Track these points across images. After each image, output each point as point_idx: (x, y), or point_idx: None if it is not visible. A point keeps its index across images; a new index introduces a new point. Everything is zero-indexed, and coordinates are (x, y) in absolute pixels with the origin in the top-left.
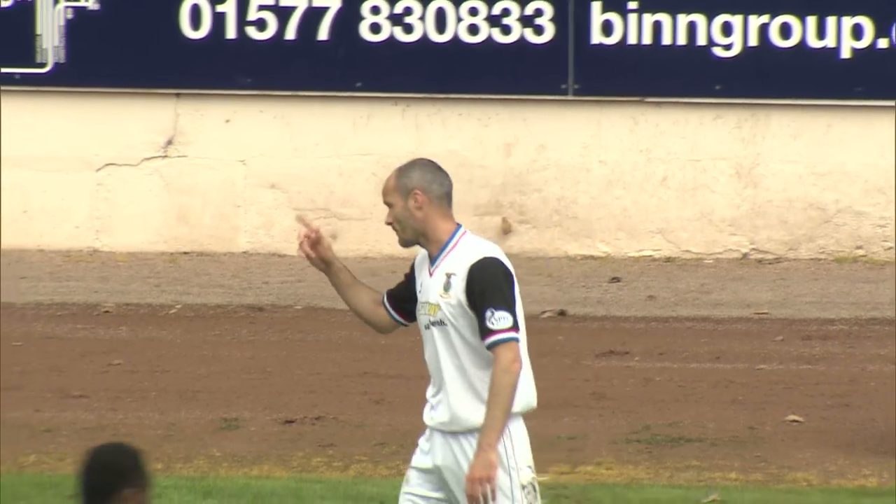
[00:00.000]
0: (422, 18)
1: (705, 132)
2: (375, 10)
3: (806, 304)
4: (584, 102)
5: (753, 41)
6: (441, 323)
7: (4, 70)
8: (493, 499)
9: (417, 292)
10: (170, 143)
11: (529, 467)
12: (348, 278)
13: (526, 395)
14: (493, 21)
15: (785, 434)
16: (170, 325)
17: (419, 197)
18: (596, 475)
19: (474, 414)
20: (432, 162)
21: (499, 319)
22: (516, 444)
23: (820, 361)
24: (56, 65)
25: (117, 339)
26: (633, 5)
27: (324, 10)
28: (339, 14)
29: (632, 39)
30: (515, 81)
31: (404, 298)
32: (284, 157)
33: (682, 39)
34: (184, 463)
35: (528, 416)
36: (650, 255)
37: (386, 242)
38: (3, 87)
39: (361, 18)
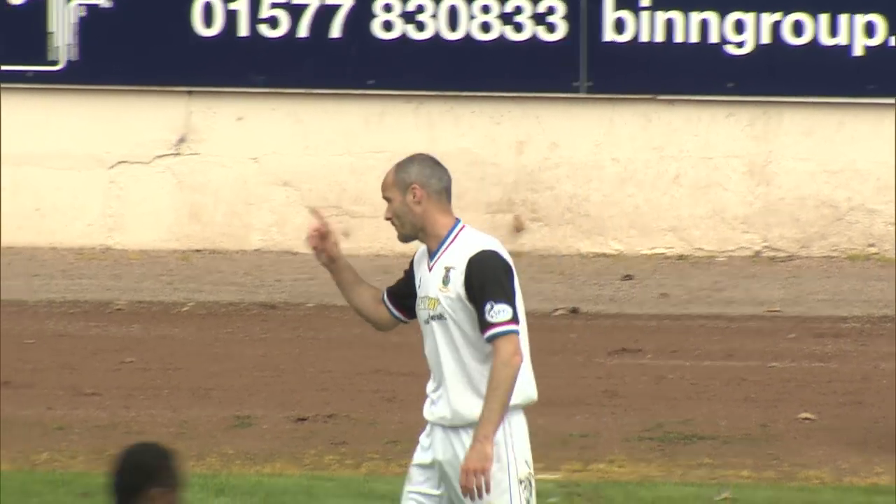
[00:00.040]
0: (434, 16)
1: (718, 130)
2: (388, 8)
3: (818, 301)
4: (597, 100)
5: (766, 39)
6: (440, 317)
7: (17, 68)
8: (488, 491)
9: (417, 288)
10: (182, 140)
11: (526, 462)
12: (352, 276)
13: (526, 388)
14: (506, 19)
15: (797, 432)
16: (182, 323)
17: (418, 192)
18: (608, 473)
19: (475, 408)
20: (431, 157)
21: (498, 312)
22: (516, 437)
23: (832, 359)
24: (68, 63)
25: (130, 336)
26: (645, 3)
27: (336, 7)
28: (352, 12)
29: (644, 37)
30: (528, 79)
31: (404, 295)
32: (297, 154)
33: (694, 37)
34: (196, 461)
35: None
36: (663, 253)
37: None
38: (15, 85)
39: (374, 16)
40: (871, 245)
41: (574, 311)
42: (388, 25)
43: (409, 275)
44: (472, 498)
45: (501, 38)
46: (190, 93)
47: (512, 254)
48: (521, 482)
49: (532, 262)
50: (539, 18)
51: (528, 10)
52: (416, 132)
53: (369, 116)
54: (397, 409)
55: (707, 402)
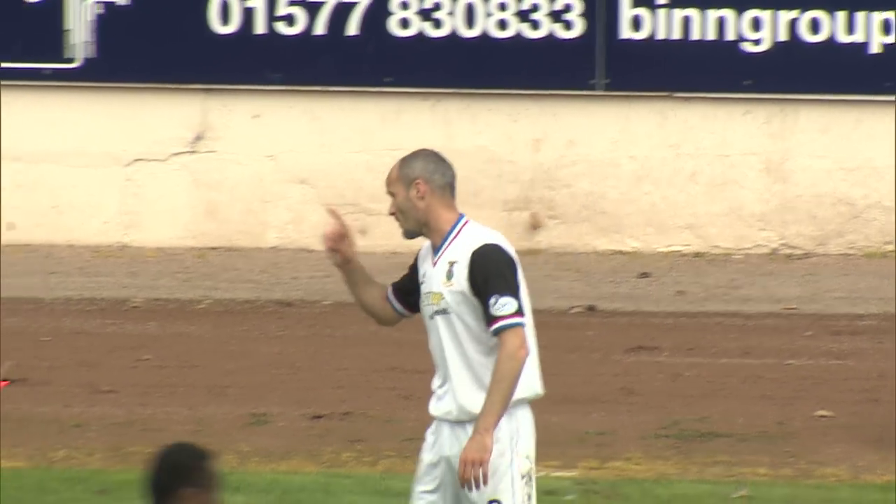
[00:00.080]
0: (451, 13)
1: (734, 127)
2: (405, 6)
3: (835, 299)
4: (613, 98)
5: (783, 36)
6: (444, 312)
7: (34, 65)
8: (485, 482)
9: (421, 283)
10: (198, 138)
11: (528, 457)
12: (363, 276)
13: (533, 382)
14: (523, 16)
15: (814, 429)
16: (198, 321)
17: (421, 187)
18: (625, 470)
19: (480, 403)
20: (435, 152)
21: (503, 305)
22: (521, 431)
23: (849, 357)
24: (85, 60)
25: (146, 334)
26: (662, 0)
27: (353, 4)
28: (369, 9)
29: (661, 34)
30: (544, 77)
31: (408, 291)
32: (313, 152)
33: (711, 34)
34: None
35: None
36: (679, 251)
37: None
38: (32, 83)
39: (391, 14)
40: (888, 242)
41: (591, 308)
42: (404, 23)
43: (414, 270)
44: (470, 488)
45: (518, 36)
46: (206, 90)
47: (528, 251)
48: (522, 477)
49: (549, 260)
50: (556, 16)
51: (544, 7)
52: (433, 130)
53: (386, 114)
54: (414, 406)
55: (724, 399)
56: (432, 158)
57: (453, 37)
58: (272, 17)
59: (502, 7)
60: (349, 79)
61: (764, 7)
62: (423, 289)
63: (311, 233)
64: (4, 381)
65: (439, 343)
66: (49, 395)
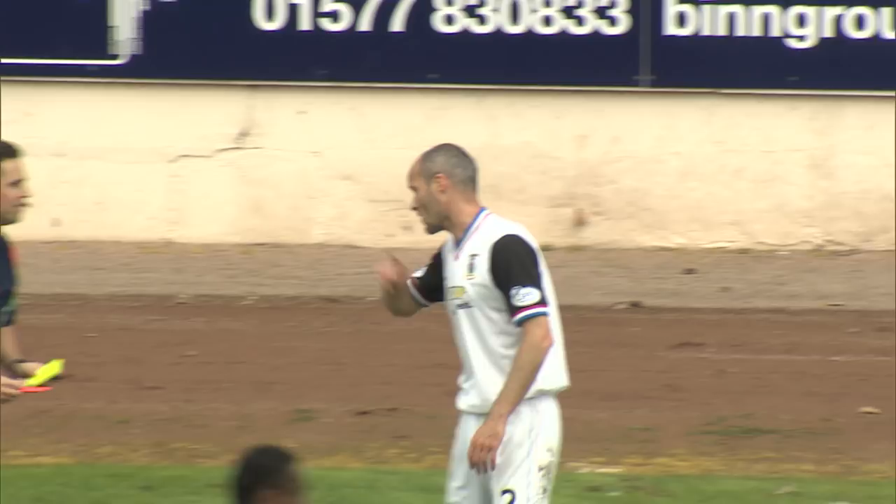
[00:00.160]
0: (496, 10)
1: (779, 123)
2: (449, 2)
3: (880, 295)
4: (658, 94)
5: (828, 32)
6: (467, 305)
7: (80, 62)
8: (492, 468)
9: (445, 278)
10: (244, 134)
11: (550, 450)
12: (402, 290)
13: (557, 373)
14: (568, 12)
15: (859, 426)
16: (244, 317)
17: (442, 181)
18: (670, 467)
19: None
20: (457, 147)
21: (525, 296)
22: (544, 422)
23: (894, 353)
24: (131, 57)
25: (192, 330)
26: None
27: (398, 1)
28: (414, 5)
29: (706, 31)
30: (589, 73)
31: (431, 288)
32: (358, 148)
33: (756, 30)
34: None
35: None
36: (724, 247)
37: None
38: (78, 79)
39: (436, 10)
40: None
41: (636, 304)
42: (449, 19)
43: (437, 265)
44: (478, 472)
45: (563, 32)
46: (252, 87)
47: (573, 247)
48: (540, 469)
49: (594, 256)
50: (601, 12)
51: (589, 3)
52: (478, 126)
53: (431, 110)
54: None
55: (769, 396)
56: (453, 153)
57: (498, 33)
58: (317, 14)
59: (547, 3)
60: (394, 75)
61: (809, 3)
62: (447, 283)
63: (356, 229)
64: (46, 386)
65: (463, 337)
66: (94, 391)
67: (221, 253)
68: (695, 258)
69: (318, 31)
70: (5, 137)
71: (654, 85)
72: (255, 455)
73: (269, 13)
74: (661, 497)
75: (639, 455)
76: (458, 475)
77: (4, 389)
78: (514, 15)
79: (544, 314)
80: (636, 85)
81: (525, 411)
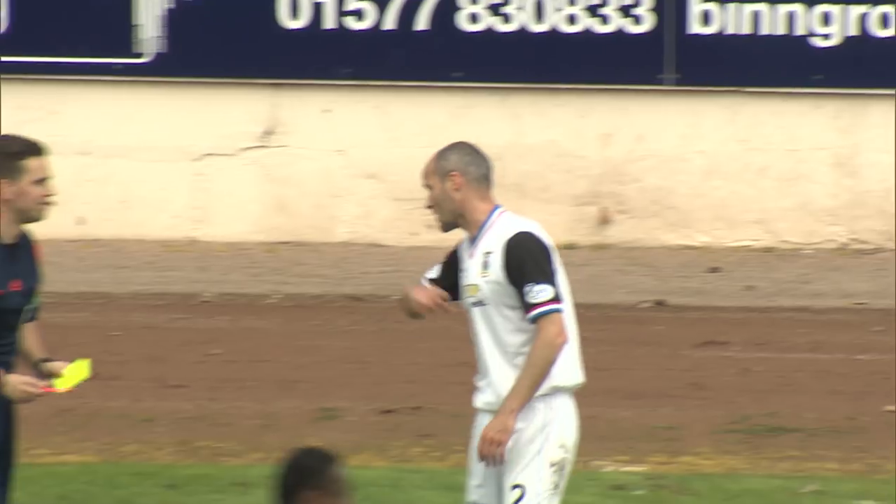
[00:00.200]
0: (520, 8)
1: (804, 122)
2: (474, 0)
3: None
4: (683, 92)
5: (853, 31)
6: (481, 303)
7: (104, 60)
8: (500, 462)
9: (461, 277)
10: (268, 133)
11: (563, 447)
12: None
13: (572, 370)
14: (592, 11)
15: (884, 424)
16: (268, 315)
17: (457, 179)
18: (694, 465)
19: None
20: (471, 145)
21: (539, 293)
22: (558, 419)
23: None
24: (155, 55)
25: (216, 328)
26: None
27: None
28: (438, 4)
29: (730, 29)
30: (614, 71)
31: (447, 287)
32: (383, 147)
33: (781, 29)
34: (283, 452)
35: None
36: (749, 245)
37: None
38: (102, 78)
39: (460, 8)
40: None
41: (660, 303)
42: (474, 18)
43: (452, 264)
44: (487, 465)
45: (587, 31)
46: (276, 85)
47: (597, 246)
48: (552, 465)
49: (618, 255)
50: (625, 10)
51: (613, 2)
52: (502, 125)
53: (455, 109)
54: None
55: (793, 394)
56: (467, 151)
57: (522, 32)
58: (342, 12)
59: (571, 2)
60: (418, 74)
61: (834, 2)
62: (463, 281)
63: (380, 227)
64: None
65: (477, 335)
66: (119, 389)
67: (246, 251)
68: (719, 257)
69: (342, 30)
70: (30, 136)
71: (678, 83)
72: (299, 456)
73: (294, 11)
74: (685, 496)
75: (663, 454)
76: (477, 473)
77: (24, 388)
78: (539, 13)
79: (558, 311)
80: (660, 83)
81: (539, 407)
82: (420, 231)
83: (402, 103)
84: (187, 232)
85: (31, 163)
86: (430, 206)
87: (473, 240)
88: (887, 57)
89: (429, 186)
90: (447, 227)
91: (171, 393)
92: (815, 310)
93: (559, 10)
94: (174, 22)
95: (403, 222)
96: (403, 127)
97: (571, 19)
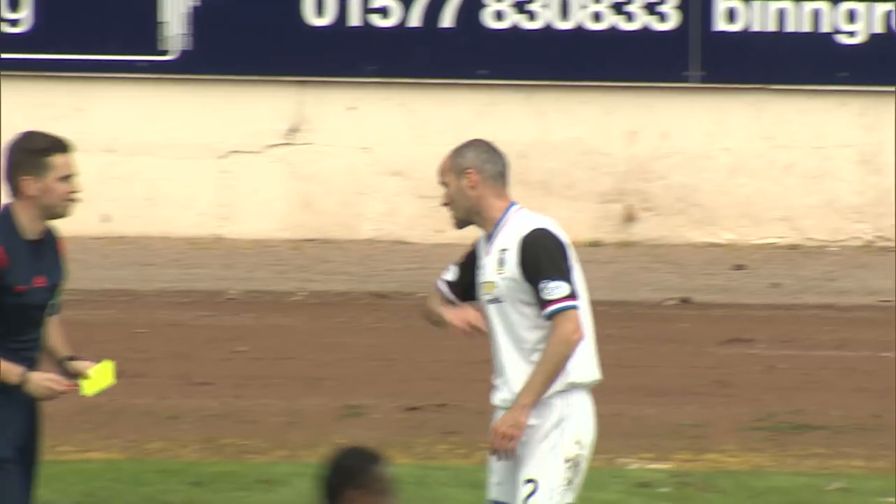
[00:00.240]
0: (545, 6)
1: (829, 119)
2: None
3: None
4: (708, 90)
5: (878, 28)
6: (497, 300)
7: (130, 58)
8: (513, 456)
9: (477, 275)
10: (294, 130)
11: (578, 443)
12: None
13: (589, 366)
14: (617, 8)
15: None
16: (294, 313)
17: (473, 176)
18: (720, 462)
19: None
20: (487, 142)
21: (554, 289)
22: (574, 415)
23: None
24: (181, 52)
25: (241, 326)
26: None
27: None
28: (464, 1)
29: (756, 27)
30: (639, 69)
31: (465, 287)
32: (408, 144)
33: (806, 26)
34: (308, 450)
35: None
36: (774, 243)
37: None
38: (128, 75)
39: (485, 6)
40: None
41: (685, 300)
42: (499, 15)
43: (469, 264)
44: (498, 459)
45: (613, 28)
46: (302, 82)
47: (623, 243)
48: (567, 461)
49: (643, 252)
50: (650, 8)
51: None
52: (527, 122)
53: (480, 106)
54: None
55: (818, 391)
56: (484, 148)
57: (548, 29)
58: (367, 10)
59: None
60: (444, 71)
61: None
62: (479, 278)
63: (406, 225)
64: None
65: (494, 332)
66: (144, 387)
67: (271, 249)
68: (744, 254)
69: (367, 27)
70: (56, 133)
71: (703, 81)
72: (343, 456)
73: (319, 9)
74: (710, 493)
75: (688, 451)
76: (497, 470)
77: (47, 384)
78: (564, 11)
79: (574, 307)
80: (686, 81)
81: (556, 403)
82: (445, 228)
83: (428, 101)
84: (213, 229)
85: (57, 159)
86: (445, 204)
87: (489, 237)
88: None
89: (444, 184)
90: (461, 224)
91: (197, 390)
92: (841, 307)
93: (584, 7)
94: (199, 19)
95: (429, 219)
96: (429, 124)
97: (597, 17)
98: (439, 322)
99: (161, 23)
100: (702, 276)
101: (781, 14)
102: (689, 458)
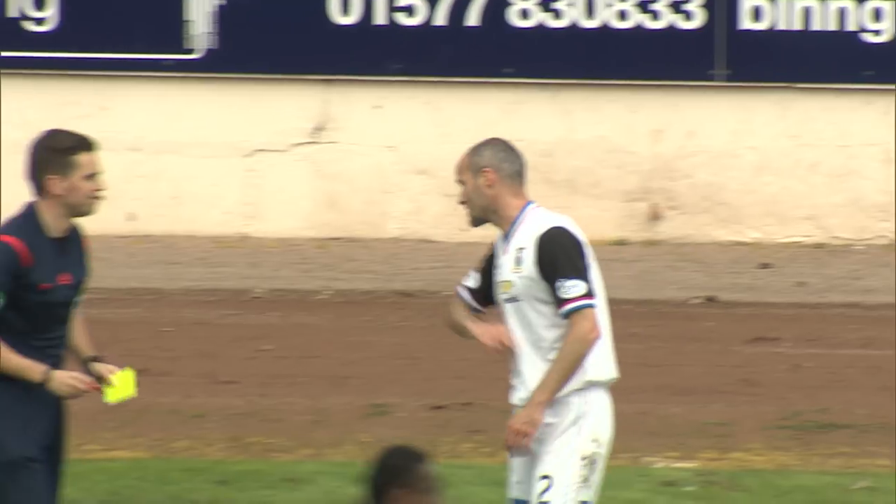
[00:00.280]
0: (571, 4)
1: (855, 118)
2: None
3: None
4: (734, 88)
5: None
6: (515, 299)
7: (155, 56)
8: (527, 453)
9: (494, 274)
10: (319, 129)
11: (596, 441)
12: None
13: (606, 364)
14: (643, 7)
15: None
16: (319, 311)
17: (489, 175)
18: (745, 461)
19: None
20: (505, 141)
21: (571, 288)
22: (592, 412)
23: None
24: (206, 51)
25: (267, 324)
26: None
27: None
28: (489, 0)
29: (781, 25)
30: (664, 67)
31: (487, 292)
32: (434, 142)
33: (832, 25)
34: (333, 448)
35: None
36: (800, 241)
37: None
38: (153, 74)
39: (511, 4)
40: None
41: (711, 299)
42: (525, 13)
43: (488, 268)
44: (512, 455)
45: (638, 27)
46: (327, 81)
47: (648, 242)
48: (583, 458)
49: (669, 251)
50: (676, 6)
51: None
52: (553, 120)
53: (506, 105)
54: None
55: (844, 390)
56: (501, 147)
57: (573, 28)
58: (392, 8)
59: None
60: (469, 69)
61: None
62: (496, 277)
63: (431, 223)
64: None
65: (511, 331)
66: (170, 385)
67: (297, 247)
68: (770, 252)
69: (393, 26)
70: (81, 131)
71: (729, 79)
72: (388, 455)
73: (345, 7)
74: (736, 492)
75: (714, 450)
76: (517, 469)
77: (71, 382)
78: (590, 9)
79: (591, 306)
80: (711, 79)
81: (574, 401)
82: (470, 227)
83: (453, 99)
84: (238, 228)
85: (82, 158)
86: (462, 202)
87: (506, 236)
88: None
89: (461, 182)
90: (477, 222)
91: (222, 389)
92: (866, 306)
93: (610, 5)
94: (225, 18)
95: (454, 218)
96: (454, 123)
97: (622, 15)
98: (464, 334)
99: (187, 21)
100: (727, 274)
101: (807, 12)
102: (714, 456)
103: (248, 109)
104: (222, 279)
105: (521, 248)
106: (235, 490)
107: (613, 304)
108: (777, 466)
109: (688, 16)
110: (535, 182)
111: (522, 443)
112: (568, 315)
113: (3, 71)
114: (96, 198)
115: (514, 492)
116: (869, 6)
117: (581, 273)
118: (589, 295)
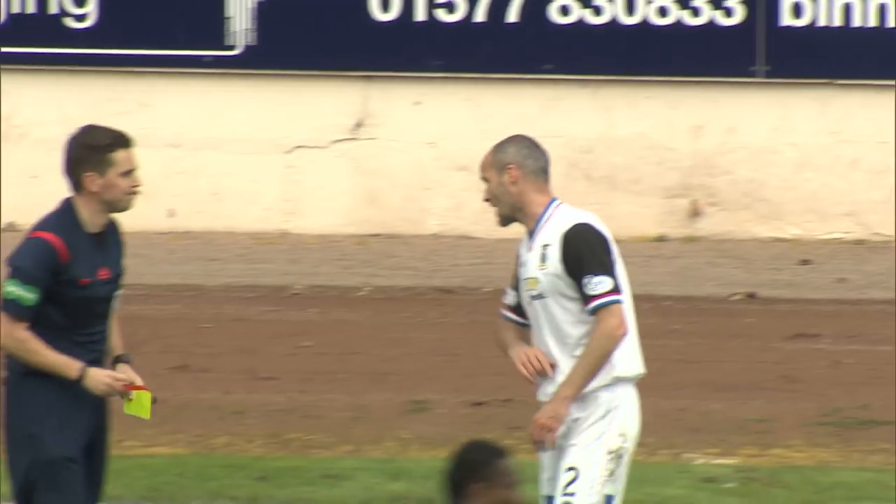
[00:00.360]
0: (611, 1)
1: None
2: None
3: None
4: (774, 85)
5: None
6: (540, 296)
7: (195, 53)
8: (552, 448)
9: (520, 272)
10: (359, 125)
11: (622, 435)
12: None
13: (633, 360)
14: (683, 3)
15: None
16: (359, 307)
17: (514, 172)
18: (786, 458)
19: None
20: (529, 138)
21: (597, 284)
22: (622, 407)
23: None
24: (246, 48)
25: (306, 321)
26: None
27: None
28: None
29: (822, 21)
30: (705, 64)
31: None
32: (473, 139)
33: (872, 21)
34: (373, 445)
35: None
36: (840, 238)
37: None
38: (193, 70)
39: (551, 1)
40: None
41: (751, 295)
42: (564, 10)
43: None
44: (538, 450)
45: (678, 23)
46: (367, 77)
47: (688, 238)
48: (609, 452)
49: (709, 247)
50: (716, 3)
51: None
52: (593, 117)
53: (545, 101)
54: None
55: (885, 387)
56: (525, 144)
57: (613, 24)
58: (432, 5)
59: None
60: (509, 66)
61: None
62: (521, 274)
63: (471, 220)
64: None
65: (538, 328)
66: (209, 381)
67: (336, 244)
68: (810, 249)
69: (433, 22)
70: (120, 128)
71: (769, 76)
72: (466, 450)
73: (385, 4)
74: (776, 488)
75: (754, 446)
76: (548, 466)
77: (106, 380)
78: (630, 5)
79: (618, 302)
80: (752, 76)
81: (603, 395)
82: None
83: (493, 95)
84: (278, 224)
85: (119, 155)
86: (487, 200)
87: (531, 233)
88: None
89: (486, 179)
90: (505, 220)
91: (262, 385)
92: None
93: (650, 2)
94: (265, 14)
95: (494, 215)
96: (494, 119)
97: (662, 11)
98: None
99: (227, 18)
100: (767, 271)
101: (847, 9)
102: (754, 453)
103: (288, 106)
104: (262, 275)
105: (546, 245)
106: (275, 486)
107: (654, 300)
108: (817, 463)
109: (728, 12)
110: (574, 178)
111: (547, 437)
112: (594, 311)
113: (43, 67)
114: (133, 194)
115: (546, 489)
116: None
117: (607, 269)
118: (615, 291)
